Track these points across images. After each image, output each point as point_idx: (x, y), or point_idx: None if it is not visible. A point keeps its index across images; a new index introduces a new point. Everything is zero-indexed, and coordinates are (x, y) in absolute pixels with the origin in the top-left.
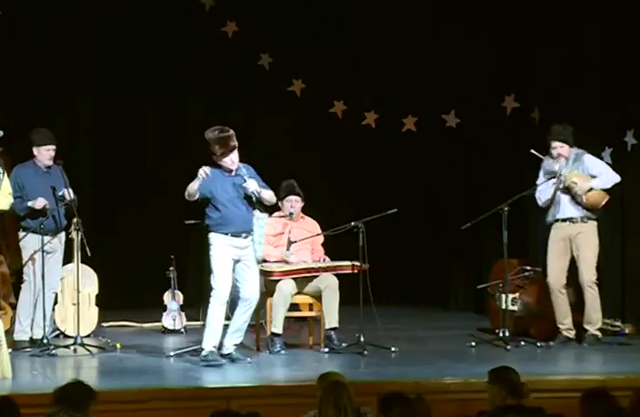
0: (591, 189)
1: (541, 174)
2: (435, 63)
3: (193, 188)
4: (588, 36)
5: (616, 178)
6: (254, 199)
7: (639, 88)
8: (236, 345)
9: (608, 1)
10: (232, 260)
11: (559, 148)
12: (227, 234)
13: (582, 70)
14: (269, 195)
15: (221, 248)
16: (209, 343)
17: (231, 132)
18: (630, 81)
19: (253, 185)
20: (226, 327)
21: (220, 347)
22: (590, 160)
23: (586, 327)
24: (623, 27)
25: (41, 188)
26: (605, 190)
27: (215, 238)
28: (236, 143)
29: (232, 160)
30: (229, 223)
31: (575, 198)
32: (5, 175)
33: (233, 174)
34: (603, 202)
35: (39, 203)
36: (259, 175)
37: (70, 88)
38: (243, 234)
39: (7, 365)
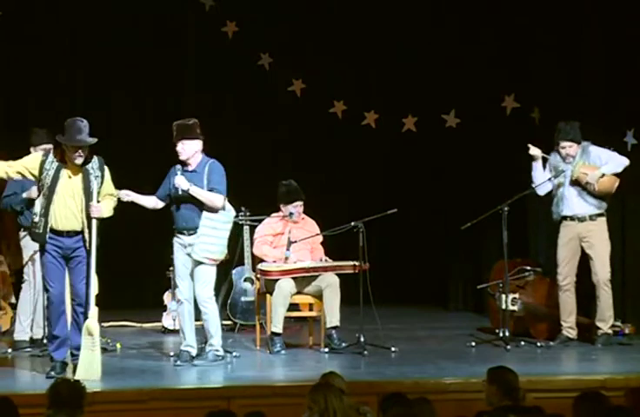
0: (603, 176)
1: (547, 168)
2: (435, 63)
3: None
4: (587, 35)
5: (625, 161)
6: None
7: (639, 88)
8: (211, 345)
9: (607, 0)
10: (183, 259)
11: (568, 147)
12: (175, 229)
13: (581, 70)
14: (207, 199)
15: (175, 248)
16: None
17: (192, 121)
18: (630, 81)
19: (180, 181)
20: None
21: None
22: (594, 150)
23: (599, 324)
24: (622, 26)
25: None
26: (615, 175)
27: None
28: (190, 133)
29: (183, 148)
30: (175, 219)
31: (584, 190)
32: (107, 172)
33: (190, 169)
34: (615, 186)
35: (35, 191)
36: (222, 177)
37: (70, 88)
38: (186, 232)
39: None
